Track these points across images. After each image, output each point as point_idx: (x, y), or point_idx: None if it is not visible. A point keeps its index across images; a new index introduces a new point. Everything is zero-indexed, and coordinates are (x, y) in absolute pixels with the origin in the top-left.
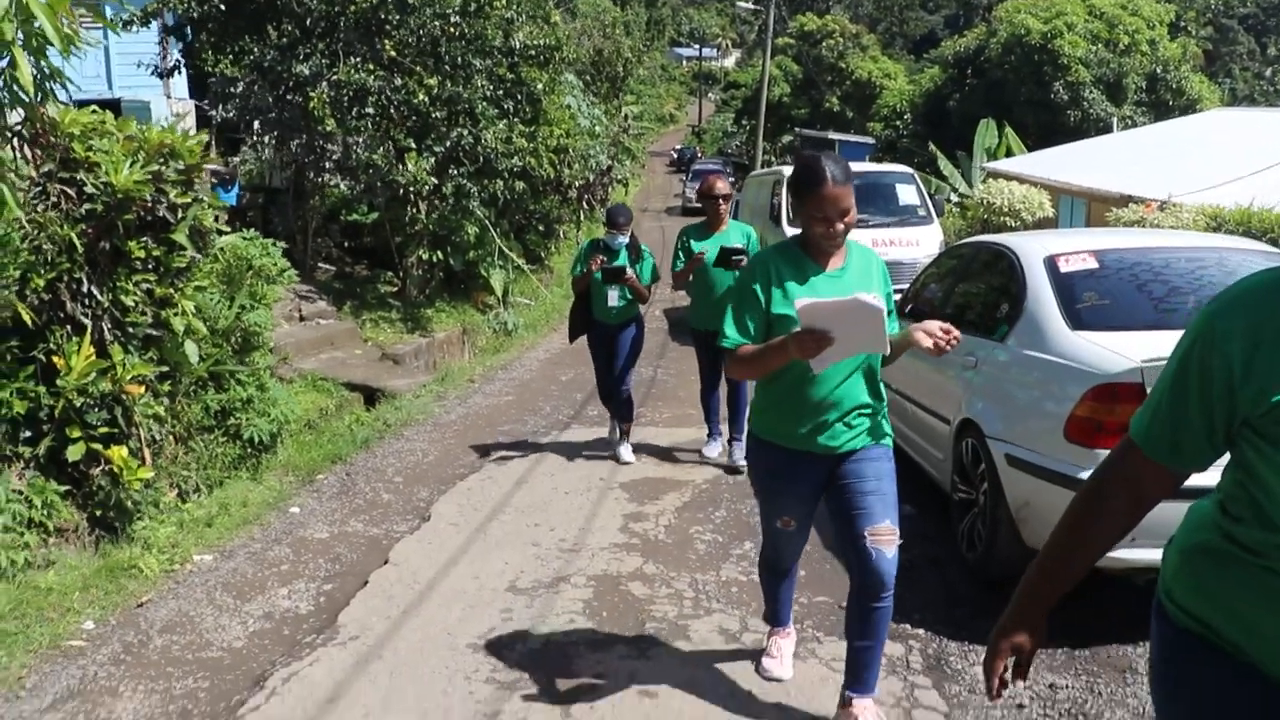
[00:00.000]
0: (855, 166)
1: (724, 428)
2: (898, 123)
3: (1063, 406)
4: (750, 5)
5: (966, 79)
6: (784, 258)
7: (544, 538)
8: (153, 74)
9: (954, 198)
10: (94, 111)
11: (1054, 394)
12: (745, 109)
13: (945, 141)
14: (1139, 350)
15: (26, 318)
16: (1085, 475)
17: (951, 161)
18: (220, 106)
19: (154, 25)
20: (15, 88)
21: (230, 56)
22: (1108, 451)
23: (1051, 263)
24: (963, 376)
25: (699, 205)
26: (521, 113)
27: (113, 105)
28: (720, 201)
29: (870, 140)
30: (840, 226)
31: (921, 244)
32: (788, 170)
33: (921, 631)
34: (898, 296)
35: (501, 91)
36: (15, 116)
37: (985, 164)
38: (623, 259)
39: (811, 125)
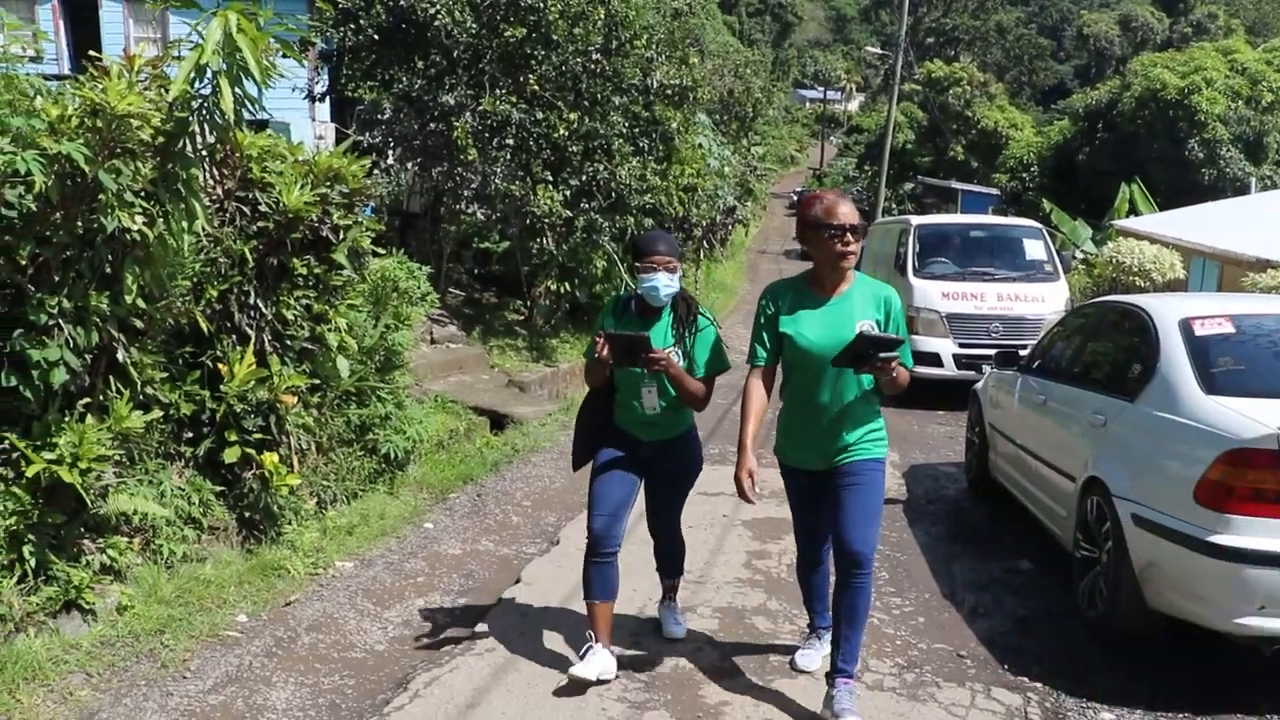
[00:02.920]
0: (981, 219)
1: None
2: (1023, 175)
3: (1194, 469)
4: (878, 50)
5: (1097, 133)
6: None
7: None
8: (304, 98)
9: (1079, 255)
10: (269, 135)
11: (1185, 456)
12: (867, 154)
13: (1072, 196)
14: (1275, 417)
15: (204, 325)
16: (1214, 539)
17: (1076, 218)
18: (367, 132)
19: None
20: (216, 113)
21: (379, 84)
22: (1238, 517)
23: (1187, 325)
24: (1090, 434)
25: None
26: (655, 150)
27: (260, 125)
28: (850, 237)
29: (994, 191)
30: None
31: (1047, 300)
32: (916, 219)
33: (1040, 685)
34: (1023, 352)
35: (637, 129)
36: (208, 138)
37: (1115, 222)
38: (661, 328)
39: (934, 174)
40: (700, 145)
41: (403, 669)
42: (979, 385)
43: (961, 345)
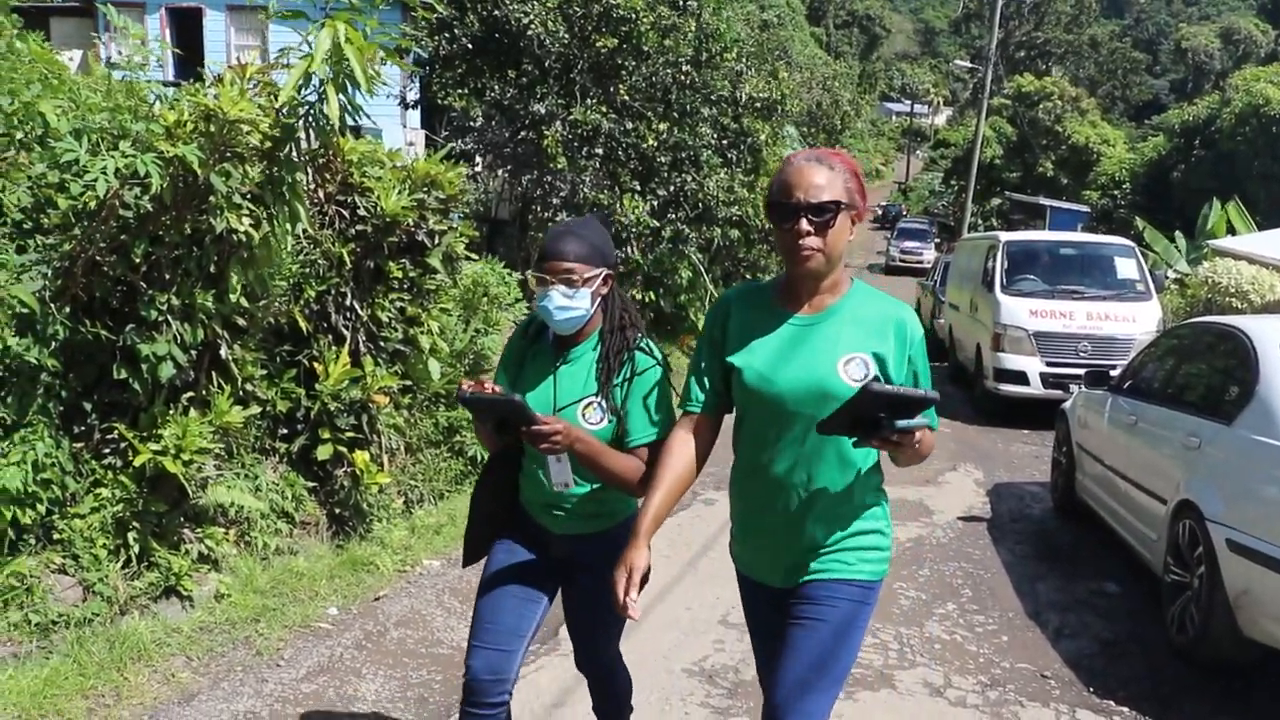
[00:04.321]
0: (1071, 236)
1: None
2: (1115, 192)
3: None
4: (967, 64)
5: (1193, 149)
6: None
7: None
8: (398, 104)
9: (1172, 274)
10: (369, 141)
11: None
12: (954, 169)
13: (1165, 215)
14: None
15: (302, 325)
16: None
17: (1169, 236)
18: (458, 139)
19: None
20: (321, 119)
21: (470, 92)
22: None
23: None
24: (1184, 457)
25: (903, 263)
26: (743, 162)
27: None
28: (806, 225)
29: (1084, 209)
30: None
31: (1139, 320)
32: (1005, 236)
33: (1126, 710)
34: (1113, 372)
35: (725, 140)
36: (312, 143)
37: (1210, 241)
38: (579, 368)
39: (1022, 190)
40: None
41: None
42: (1067, 405)
43: (1049, 364)
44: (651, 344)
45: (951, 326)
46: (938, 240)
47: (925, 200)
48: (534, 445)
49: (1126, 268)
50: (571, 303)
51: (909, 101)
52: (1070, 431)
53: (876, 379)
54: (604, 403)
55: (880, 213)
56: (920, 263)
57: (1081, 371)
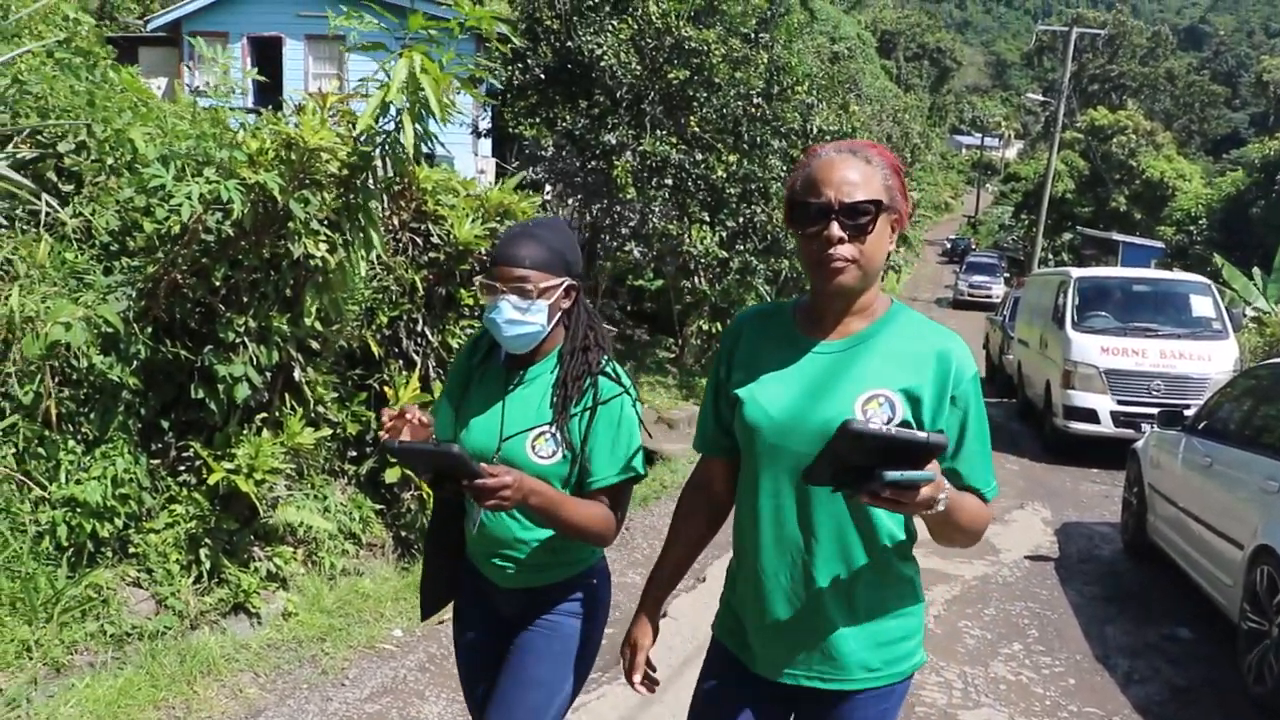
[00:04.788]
0: (1145, 273)
1: None
2: (1191, 228)
3: None
4: (1039, 96)
5: (1274, 185)
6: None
7: None
8: (470, 133)
9: (1250, 312)
10: (443, 169)
11: None
12: (1025, 203)
13: (1244, 251)
14: None
15: (375, 349)
16: None
17: (1248, 274)
18: (529, 168)
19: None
20: (398, 148)
21: (541, 121)
22: None
23: None
24: (1262, 500)
25: (972, 298)
26: None
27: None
28: (837, 230)
29: (1159, 245)
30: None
31: (1214, 359)
32: (1076, 271)
33: None
34: (1188, 412)
35: None
36: (388, 171)
37: None
38: (532, 394)
39: (1094, 224)
40: None
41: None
42: (1139, 444)
43: (1120, 402)
44: (620, 369)
45: (1021, 363)
46: (1007, 275)
47: (995, 234)
48: (478, 502)
49: (1202, 305)
50: (524, 317)
51: (979, 134)
52: (1142, 472)
53: (866, 415)
54: (558, 434)
55: (949, 246)
56: (989, 297)
57: (1154, 411)
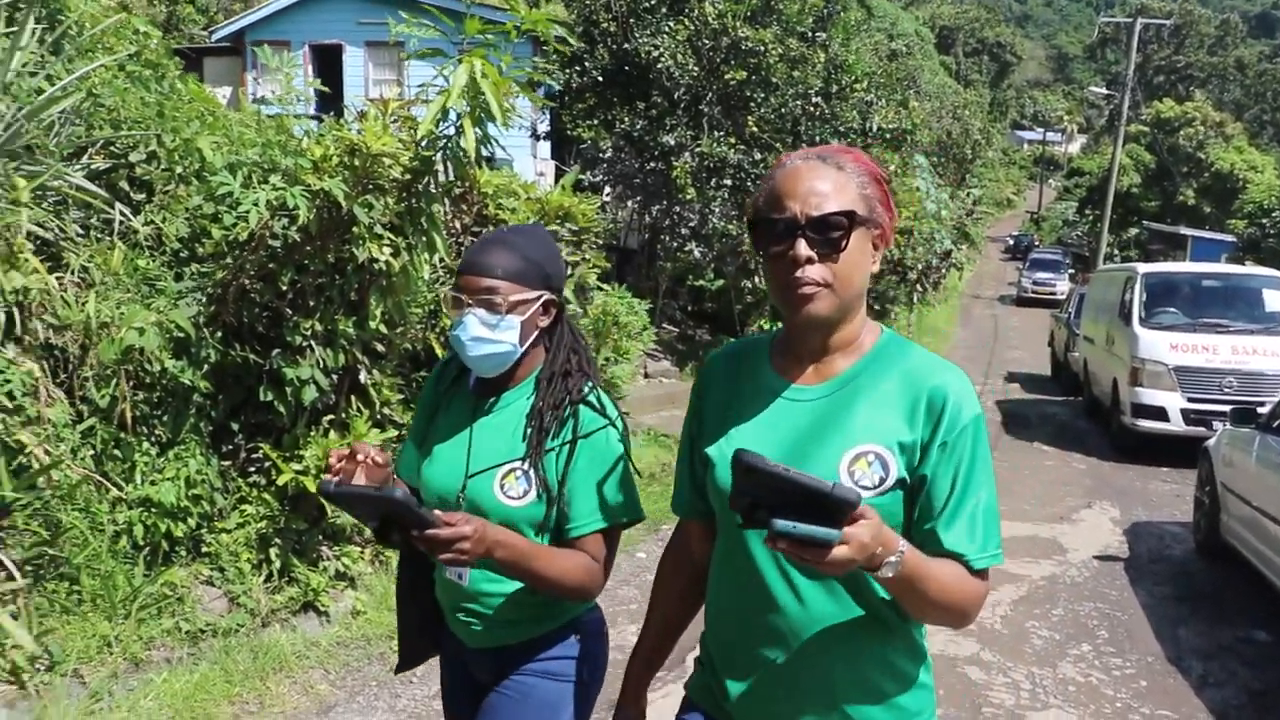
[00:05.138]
0: (1215, 268)
1: None
2: (1264, 220)
3: None
4: (1102, 90)
5: None
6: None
7: None
8: (529, 136)
9: None
10: (504, 173)
11: None
12: (1089, 198)
13: None
14: None
15: (438, 351)
16: None
17: None
18: (588, 170)
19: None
20: (459, 152)
21: (600, 124)
22: None
23: None
24: None
25: (1035, 295)
26: None
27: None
28: (802, 247)
29: (1230, 238)
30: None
31: None
32: (1143, 267)
33: None
34: (1262, 409)
35: None
36: (449, 175)
37: None
38: (505, 424)
39: (1161, 219)
40: (918, 188)
41: (613, 692)
42: (1210, 443)
43: (1190, 400)
44: (605, 398)
45: (1086, 360)
46: (1071, 271)
47: (1058, 230)
48: (432, 555)
49: (1276, 300)
50: (493, 334)
51: (1041, 129)
52: (1214, 470)
53: (748, 454)
54: (531, 472)
55: (1012, 242)
56: (1053, 294)
57: (1226, 408)
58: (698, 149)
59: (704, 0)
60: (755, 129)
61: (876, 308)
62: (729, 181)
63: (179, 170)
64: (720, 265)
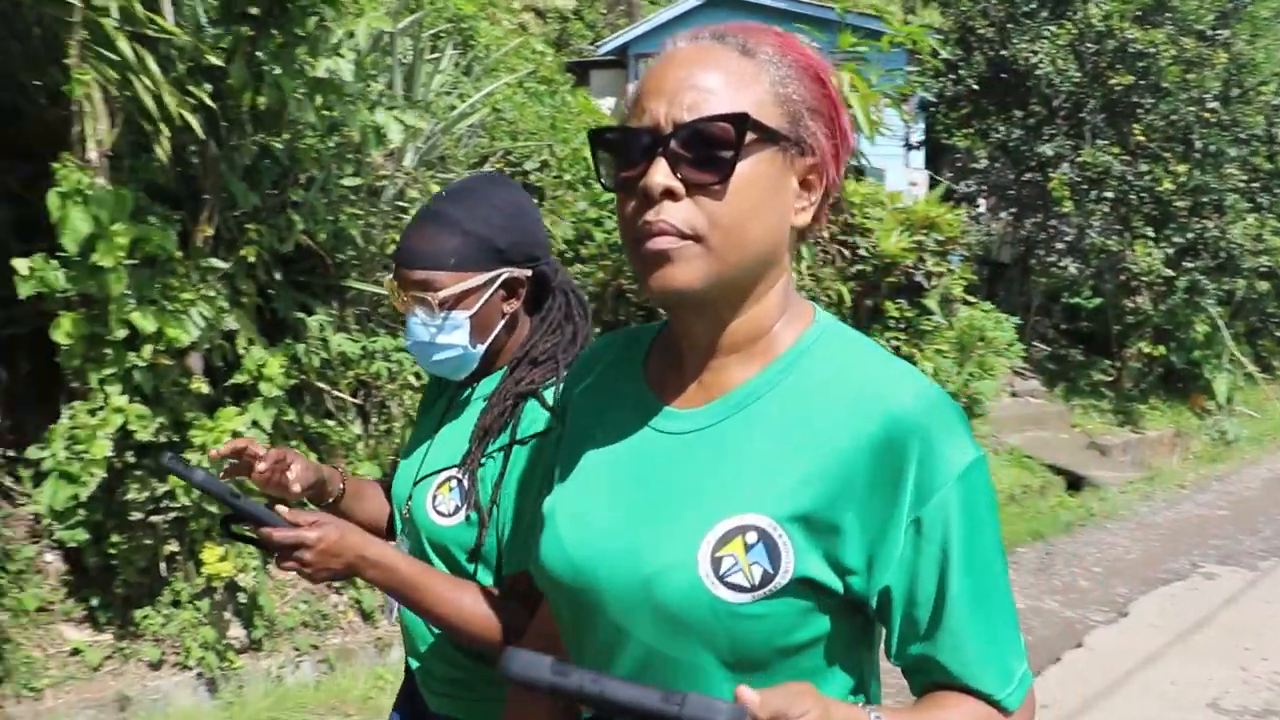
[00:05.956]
0: None
1: None
2: None
3: None
4: None
5: None
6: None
7: (1254, 664)
8: (903, 146)
9: None
10: (870, 183)
11: None
12: None
13: None
14: None
15: None
16: None
17: None
18: (961, 180)
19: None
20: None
21: (974, 133)
22: None
23: None
24: None
25: None
26: (1277, 208)
27: (859, 171)
28: (659, 177)
29: None
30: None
31: None
32: None
33: None
34: None
35: (1256, 184)
36: None
37: None
38: (459, 427)
39: None
40: None
41: None
42: None
43: None
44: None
45: None
46: None
47: None
48: (281, 564)
49: None
50: (438, 338)
51: None
52: None
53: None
54: (466, 482)
55: None
56: None
57: None
58: (1077, 159)
59: (1089, 1)
60: (1142, 138)
61: (1279, 334)
62: (1110, 194)
63: (567, 177)
64: (1098, 283)
